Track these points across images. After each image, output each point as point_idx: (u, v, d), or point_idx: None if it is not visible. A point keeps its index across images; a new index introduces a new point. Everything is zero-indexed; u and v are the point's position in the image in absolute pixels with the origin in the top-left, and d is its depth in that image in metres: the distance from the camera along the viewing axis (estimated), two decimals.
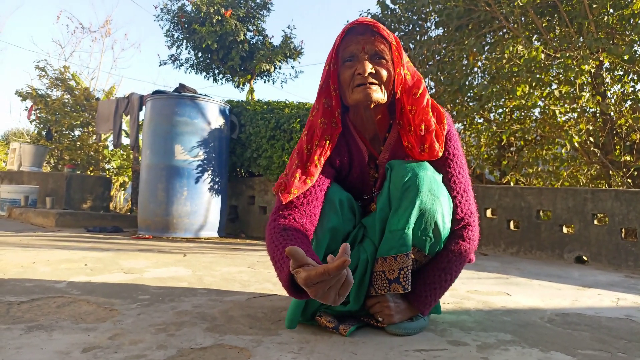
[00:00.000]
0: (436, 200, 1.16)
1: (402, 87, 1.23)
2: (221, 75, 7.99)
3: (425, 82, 1.23)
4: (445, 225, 1.20)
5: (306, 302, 1.22)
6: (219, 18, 6.99)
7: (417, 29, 5.18)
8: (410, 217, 1.15)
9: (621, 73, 4.23)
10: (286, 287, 0.99)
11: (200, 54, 7.65)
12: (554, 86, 4.26)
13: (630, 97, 4.25)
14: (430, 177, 1.17)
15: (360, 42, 1.19)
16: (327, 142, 1.24)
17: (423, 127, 1.21)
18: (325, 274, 0.79)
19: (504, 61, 4.13)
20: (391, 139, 1.30)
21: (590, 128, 4.03)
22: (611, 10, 3.99)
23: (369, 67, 1.18)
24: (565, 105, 4.15)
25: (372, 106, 1.22)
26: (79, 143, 8.61)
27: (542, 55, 3.79)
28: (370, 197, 1.33)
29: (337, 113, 1.26)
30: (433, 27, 5.13)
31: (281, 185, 1.20)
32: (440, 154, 1.22)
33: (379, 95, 1.20)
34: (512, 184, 5.16)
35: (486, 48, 4.70)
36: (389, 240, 1.18)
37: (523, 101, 4.20)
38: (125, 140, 7.46)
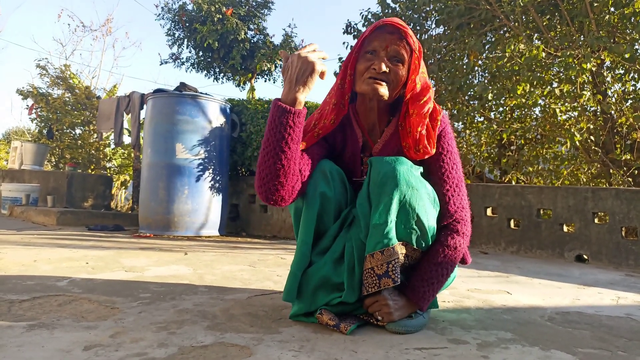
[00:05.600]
0: (415, 193, 1.19)
1: (412, 93, 1.28)
2: (222, 74, 7.99)
3: (432, 91, 1.32)
4: (428, 217, 1.22)
5: (302, 281, 1.26)
6: (220, 17, 6.99)
7: (418, 27, 5.17)
8: (390, 210, 1.17)
9: (622, 72, 4.23)
10: (274, 107, 1.15)
11: (201, 53, 7.65)
12: (555, 85, 4.26)
13: (631, 96, 4.25)
14: (407, 171, 1.20)
15: (386, 41, 1.25)
16: (333, 122, 1.33)
17: (419, 129, 1.27)
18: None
19: (505, 60, 4.13)
20: (387, 132, 1.37)
21: (591, 127, 4.02)
22: (612, 9, 3.98)
23: (384, 67, 1.24)
24: (566, 104, 4.14)
25: (376, 99, 1.30)
26: (80, 141, 8.62)
27: (543, 54, 3.78)
28: (359, 182, 1.38)
29: (347, 97, 1.33)
30: (434, 25, 5.13)
31: None
32: (433, 152, 1.29)
33: (385, 91, 1.27)
34: (512, 182, 5.16)
35: (487, 47, 4.69)
36: (373, 236, 1.19)
37: (524, 100, 4.19)
38: (127, 139, 7.46)
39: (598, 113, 4.24)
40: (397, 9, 5.23)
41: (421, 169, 1.26)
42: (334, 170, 1.31)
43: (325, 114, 1.32)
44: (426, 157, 1.29)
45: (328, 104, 1.34)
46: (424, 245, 1.25)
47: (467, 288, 1.96)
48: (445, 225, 1.29)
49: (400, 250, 1.22)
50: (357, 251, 1.24)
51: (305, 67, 1.13)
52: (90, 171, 8.34)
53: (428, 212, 1.22)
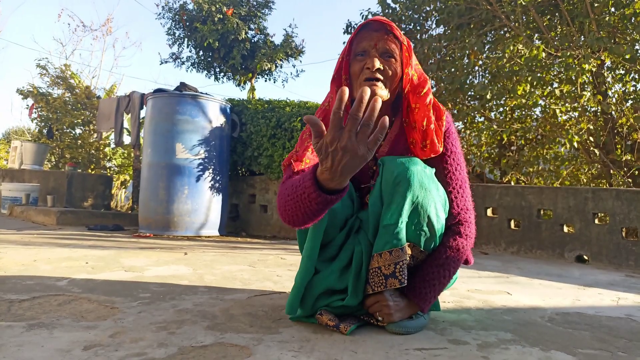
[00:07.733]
0: (428, 194, 1.18)
1: (409, 86, 1.28)
2: (222, 74, 7.99)
3: (429, 82, 1.32)
4: (439, 219, 1.21)
5: (305, 288, 1.23)
6: (221, 16, 6.99)
7: (418, 27, 5.17)
8: (402, 211, 1.16)
9: (622, 72, 4.23)
10: (310, 187, 1.00)
11: (201, 53, 7.65)
12: (555, 85, 4.26)
13: (631, 97, 4.25)
14: (420, 171, 1.18)
15: (374, 39, 1.24)
16: None
17: (425, 123, 1.26)
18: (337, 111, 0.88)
19: (505, 60, 4.13)
20: (391, 134, 1.34)
21: (591, 127, 4.02)
22: (612, 9, 3.98)
23: (378, 63, 1.23)
24: (566, 105, 4.14)
25: None
26: (80, 141, 8.62)
27: (543, 54, 3.78)
28: (367, 188, 1.35)
29: (347, 104, 1.27)
30: (434, 25, 5.13)
31: (292, 156, 1.25)
32: (441, 150, 1.27)
33: (383, 92, 1.24)
34: (512, 183, 5.16)
35: (487, 47, 4.69)
36: (383, 236, 1.18)
37: (524, 100, 4.19)
38: (127, 139, 7.47)
39: (598, 113, 4.24)
40: (397, 9, 5.23)
41: (433, 170, 1.25)
42: None
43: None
44: (432, 155, 1.27)
45: (328, 113, 1.30)
46: (431, 247, 1.25)
47: (467, 288, 1.96)
48: (448, 226, 1.27)
49: (408, 251, 1.21)
50: (367, 255, 1.23)
51: (354, 163, 0.92)
52: (90, 171, 8.34)
53: (439, 215, 1.21)
